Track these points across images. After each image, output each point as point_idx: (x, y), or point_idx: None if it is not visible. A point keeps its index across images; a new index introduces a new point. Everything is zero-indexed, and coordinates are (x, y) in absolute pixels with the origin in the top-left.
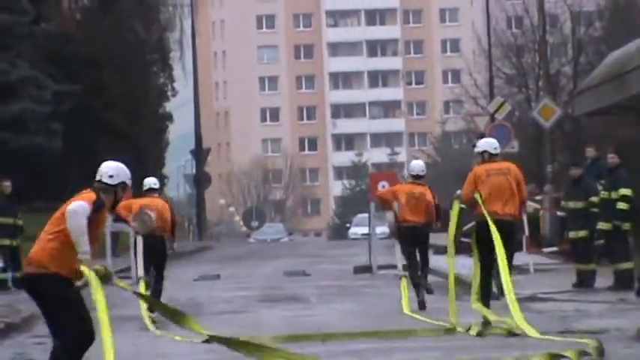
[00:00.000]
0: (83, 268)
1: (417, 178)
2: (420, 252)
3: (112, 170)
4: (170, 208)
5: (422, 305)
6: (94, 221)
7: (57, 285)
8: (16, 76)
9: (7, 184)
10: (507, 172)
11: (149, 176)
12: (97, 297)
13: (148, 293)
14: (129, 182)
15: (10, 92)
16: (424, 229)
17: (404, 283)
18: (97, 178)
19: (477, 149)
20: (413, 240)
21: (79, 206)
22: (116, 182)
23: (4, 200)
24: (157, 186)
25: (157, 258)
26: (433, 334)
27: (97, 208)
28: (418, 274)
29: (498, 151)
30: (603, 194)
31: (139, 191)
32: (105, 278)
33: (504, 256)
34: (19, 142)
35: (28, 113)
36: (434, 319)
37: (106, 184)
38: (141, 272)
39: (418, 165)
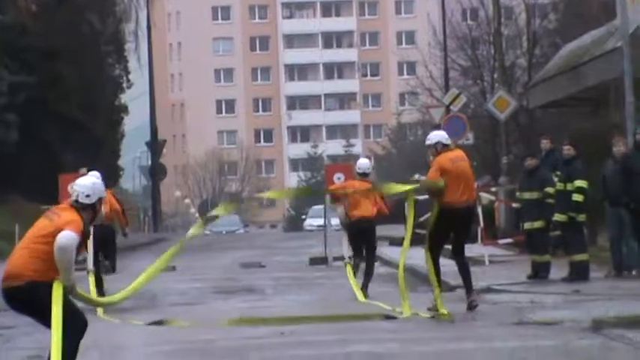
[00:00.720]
0: (56, 285)
1: (363, 175)
2: (368, 246)
3: (88, 189)
4: (114, 194)
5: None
6: (79, 246)
7: (47, 292)
8: None
9: None
10: (464, 158)
11: (105, 168)
12: (56, 309)
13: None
14: (104, 195)
15: None
16: (371, 222)
17: (349, 269)
18: (74, 197)
19: (429, 142)
20: (360, 234)
21: (69, 239)
22: (94, 201)
23: None
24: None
25: (105, 247)
26: (378, 318)
27: (83, 234)
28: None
29: (450, 141)
30: (559, 186)
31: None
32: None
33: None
34: None
35: None
36: (389, 304)
37: (84, 204)
38: (90, 265)
39: (364, 163)
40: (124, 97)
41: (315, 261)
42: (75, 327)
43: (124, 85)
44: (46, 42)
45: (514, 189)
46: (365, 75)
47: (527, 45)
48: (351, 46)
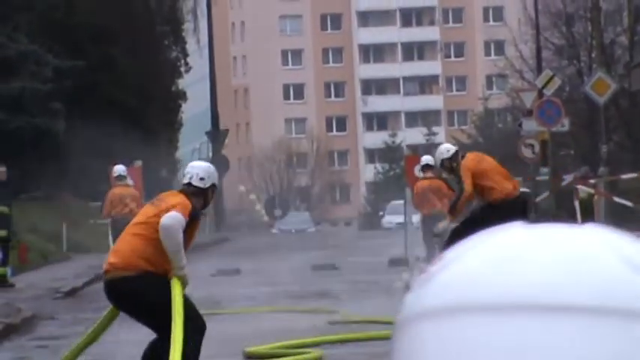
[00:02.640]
0: (173, 282)
1: (427, 168)
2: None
3: (203, 172)
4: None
5: None
6: (189, 231)
7: (159, 286)
8: (13, 50)
9: (2, 170)
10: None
11: (161, 160)
12: (177, 307)
13: None
14: (217, 183)
15: (8, 69)
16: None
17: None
18: (186, 181)
19: (446, 155)
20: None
21: (175, 221)
22: (208, 185)
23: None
24: (126, 173)
25: None
26: None
27: (192, 218)
28: None
29: (432, 161)
30: None
31: (152, 173)
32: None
33: None
34: (18, 123)
35: (27, 92)
36: None
37: (197, 187)
38: None
39: (426, 157)
40: (182, 83)
41: (395, 262)
42: (196, 328)
43: (182, 68)
44: (96, 22)
45: (614, 180)
46: (448, 56)
47: (628, 21)
48: (432, 23)
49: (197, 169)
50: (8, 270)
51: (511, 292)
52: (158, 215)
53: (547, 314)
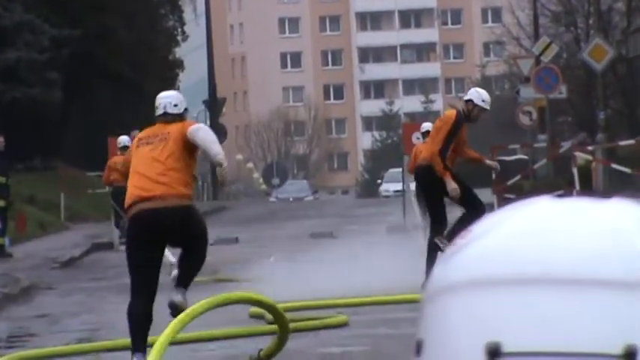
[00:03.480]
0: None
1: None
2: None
3: (175, 99)
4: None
5: None
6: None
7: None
8: (8, 20)
9: (1, 139)
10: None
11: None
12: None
13: None
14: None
15: (3, 39)
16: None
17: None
18: (161, 112)
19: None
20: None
21: (201, 124)
22: (182, 110)
23: None
24: (130, 144)
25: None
26: None
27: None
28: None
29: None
30: None
31: None
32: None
33: None
34: (14, 93)
35: (23, 62)
36: None
37: (174, 114)
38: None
39: (426, 124)
40: (179, 51)
41: (393, 230)
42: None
43: (179, 37)
44: None
45: (612, 147)
46: (445, 23)
47: None
48: None
49: (168, 98)
50: (6, 240)
51: (538, 266)
52: (174, 141)
53: (574, 287)
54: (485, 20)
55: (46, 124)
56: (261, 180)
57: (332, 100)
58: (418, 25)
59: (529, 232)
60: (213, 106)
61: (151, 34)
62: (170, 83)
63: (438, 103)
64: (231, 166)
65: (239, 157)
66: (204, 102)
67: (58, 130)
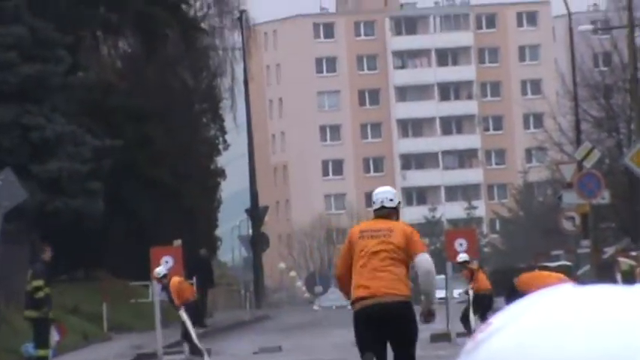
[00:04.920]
0: None
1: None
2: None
3: (390, 194)
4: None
5: None
6: None
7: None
8: (51, 131)
9: (48, 250)
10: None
11: (200, 239)
12: None
13: None
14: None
15: (46, 149)
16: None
17: None
18: (378, 206)
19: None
20: None
21: (432, 265)
22: (396, 203)
23: (44, 267)
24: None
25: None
26: None
27: None
28: None
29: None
30: None
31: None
32: None
33: None
34: (57, 204)
35: (65, 172)
36: None
37: (389, 208)
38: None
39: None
40: (221, 160)
41: (437, 338)
42: None
43: (220, 146)
44: (133, 101)
45: None
46: (487, 129)
47: None
48: (470, 97)
49: (384, 194)
50: (50, 352)
51: None
52: (401, 243)
53: None
54: (527, 126)
55: (88, 234)
56: (303, 288)
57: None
58: (459, 131)
59: (548, 327)
60: (256, 215)
61: (192, 143)
62: (212, 192)
63: (481, 209)
64: (273, 275)
65: (282, 265)
66: (247, 211)
67: (101, 241)
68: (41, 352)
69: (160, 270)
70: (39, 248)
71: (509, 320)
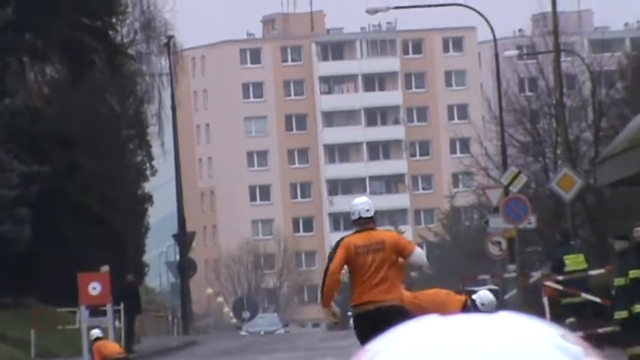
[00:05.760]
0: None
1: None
2: None
3: (367, 205)
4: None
5: None
6: None
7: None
8: None
9: None
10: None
11: (128, 265)
12: None
13: None
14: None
15: None
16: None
17: None
18: (356, 217)
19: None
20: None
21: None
22: (372, 213)
23: None
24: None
25: None
26: None
27: None
28: None
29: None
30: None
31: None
32: None
33: None
34: None
35: None
36: None
37: (366, 218)
38: None
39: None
40: (148, 186)
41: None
42: None
43: (148, 172)
44: (60, 127)
45: (583, 277)
46: (413, 154)
47: (592, 117)
48: (397, 122)
49: (362, 205)
50: None
51: None
52: (393, 253)
53: None
54: (453, 151)
55: (16, 260)
56: (231, 314)
57: (302, 233)
58: (387, 156)
59: (423, 355)
60: (183, 240)
61: (120, 169)
62: (140, 218)
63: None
64: (201, 301)
65: (209, 291)
66: (174, 236)
67: (29, 266)
68: None
69: (95, 332)
70: None
71: (387, 346)
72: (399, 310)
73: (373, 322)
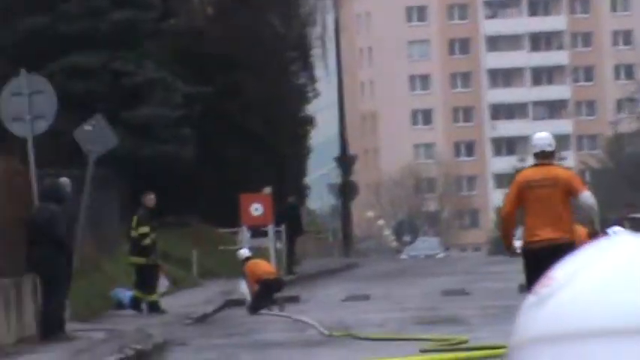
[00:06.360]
0: None
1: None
2: None
3: (549, 139)
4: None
5: None
6: None
7: None
8: (142, 78)
9: (152, 197)
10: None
11: (290, 187)
12: None
13: None
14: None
15: (137, 96)
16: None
17: None
18: (537, 150)
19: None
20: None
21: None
22: (554, 147)
23: (148, 214)
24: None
25: None
26: None
27: None
28: None
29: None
30: None
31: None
32: None
33: None
34: (147, 150)
35: (156, 118)
36: None
37: (548, 152)
38: None
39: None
40: (310, 109)
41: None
42: None
43: (310, 94)
44: (223, 48)
45: None
46: (577, 80)
47: None
48: (561, 48)
49: (544, 140)
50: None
51: (627, 315)
52: (565, 190)
53: None
54: (617, 76)
55: (179, 180)
56: (392, 237)
57: (463, 157)
58: (550, 81)
59: (614, 279)
60: (345, 163)
61: (282, 91)
62: (302, 140)
63: (570, 160)
64: (361, 224)
65: (370, 214)
66: (336, 159)
67: (191, 187)
68: (152, 297)
69: (243, 252)
70: (142, 195)
71: (572, 274)
72: (572, 247)
73: (545, 259)
